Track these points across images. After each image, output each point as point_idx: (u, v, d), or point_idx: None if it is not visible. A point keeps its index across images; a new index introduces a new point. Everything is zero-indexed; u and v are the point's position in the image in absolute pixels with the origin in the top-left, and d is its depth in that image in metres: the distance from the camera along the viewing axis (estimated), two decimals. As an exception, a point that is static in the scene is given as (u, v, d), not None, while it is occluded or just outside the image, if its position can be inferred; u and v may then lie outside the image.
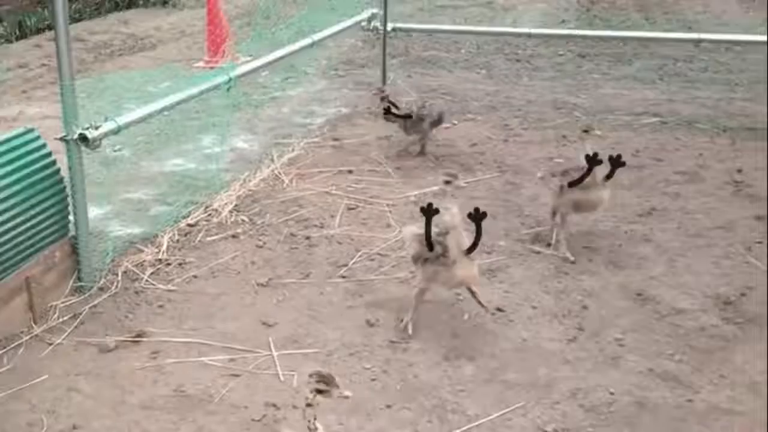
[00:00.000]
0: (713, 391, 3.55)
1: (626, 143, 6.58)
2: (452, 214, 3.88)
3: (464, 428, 3.36)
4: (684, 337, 3.96)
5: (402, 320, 4.06)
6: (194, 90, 5.22)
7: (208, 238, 5.04)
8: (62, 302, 4.25)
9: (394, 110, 6.15)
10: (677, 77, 8.51)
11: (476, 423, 3.39)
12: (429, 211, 3.82)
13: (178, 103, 5.08)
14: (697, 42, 7.69)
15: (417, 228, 4.05)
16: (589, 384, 3.62)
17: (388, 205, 5.48)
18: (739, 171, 5.96)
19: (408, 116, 6.15)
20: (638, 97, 7.87)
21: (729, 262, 4.66)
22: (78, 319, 4.15)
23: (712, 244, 4.89)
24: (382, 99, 6.27)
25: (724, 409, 3.44)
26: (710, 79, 8.39)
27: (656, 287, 4.41)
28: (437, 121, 6.29)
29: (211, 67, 8.31)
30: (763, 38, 7.86)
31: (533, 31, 7.57)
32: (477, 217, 3.78)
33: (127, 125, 4.53)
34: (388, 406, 3.50)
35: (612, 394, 3.54)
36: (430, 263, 3.96)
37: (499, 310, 4.22)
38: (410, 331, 4.00)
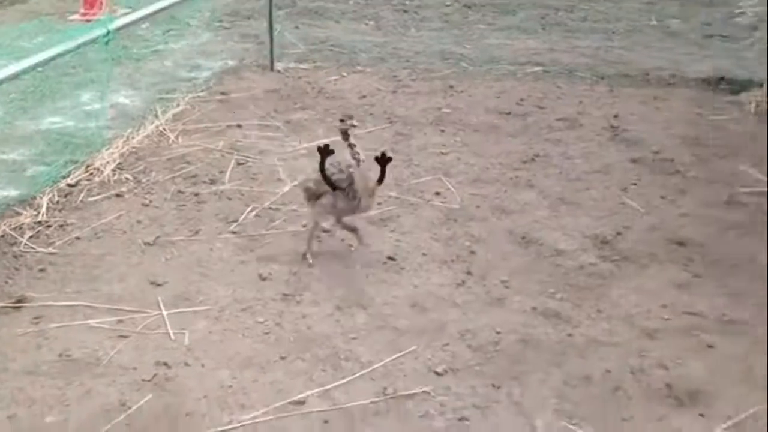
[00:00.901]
0: (591, 325, 3.74)
1: (510, 92, 6.74)
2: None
3: (358, 374, 3.42)
4: (565, 276, 4.14)
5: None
6: (70, 44, 4.97)
7: (90, 198, 4.88)
8: (-65, 270, 4.05)
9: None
10: (558, 27, 8.74)
11: (369, 369, 3.45)
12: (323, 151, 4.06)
13: (53, 58, 4.82)
14: (577, -8, 7.90)
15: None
16: (477, 325, 3.75)
17: (278, 159, 5.43)
18: (616, 116, 6.21)
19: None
20: (521, 46, 8.04)
21: (606, 204, 4.88)
22: (-47, 287, 3.97)
23: (591, 187, 5.10)
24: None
25: (601, 341, 3.63)
26: (589, 29, 8.66)
27: (539, 230, 4.57)
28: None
29: (88, 20, 7.93)
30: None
31: (420, -19, 7.60)
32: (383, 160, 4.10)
33: (0, 83, 4.30)
34: (283, 358, 3.52)
35: (498, 333, 3.68)
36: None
37: (391, 258, 4.29)
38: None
